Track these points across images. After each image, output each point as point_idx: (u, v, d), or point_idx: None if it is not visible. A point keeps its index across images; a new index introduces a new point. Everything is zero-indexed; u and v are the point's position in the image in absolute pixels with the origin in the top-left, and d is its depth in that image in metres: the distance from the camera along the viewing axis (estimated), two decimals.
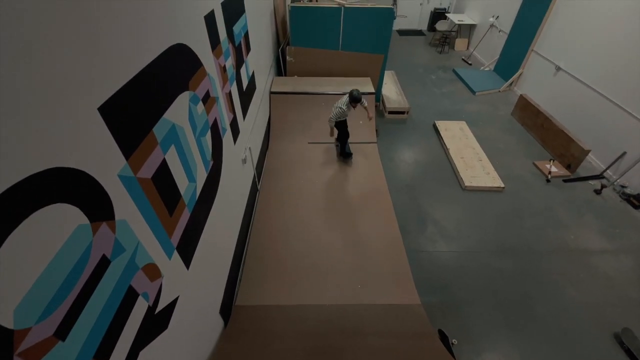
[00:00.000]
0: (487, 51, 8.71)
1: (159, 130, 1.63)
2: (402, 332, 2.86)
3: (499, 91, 7.48)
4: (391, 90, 6.85)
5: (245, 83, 3.58)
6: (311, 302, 3.14)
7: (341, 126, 4.72)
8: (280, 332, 2.79)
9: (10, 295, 0.86)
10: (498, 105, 6.96)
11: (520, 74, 7.23)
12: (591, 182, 4.94)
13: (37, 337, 0.93)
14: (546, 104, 6.07)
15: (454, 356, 2.75)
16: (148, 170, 1.53)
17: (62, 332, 1.02)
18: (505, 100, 7.10)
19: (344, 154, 5.00)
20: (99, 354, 1.19)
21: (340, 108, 4.28)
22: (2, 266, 0.83)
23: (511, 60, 7.47)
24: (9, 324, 0.84)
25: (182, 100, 1.93)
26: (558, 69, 6.05)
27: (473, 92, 7.39)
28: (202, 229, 2.25)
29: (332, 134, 4.70)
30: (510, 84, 7.43)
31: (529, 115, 6.09)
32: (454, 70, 8.35)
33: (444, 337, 2.96)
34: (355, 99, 4.19)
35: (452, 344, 2.97)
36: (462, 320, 3.19)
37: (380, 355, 2.53)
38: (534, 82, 6.83)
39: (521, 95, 6.39)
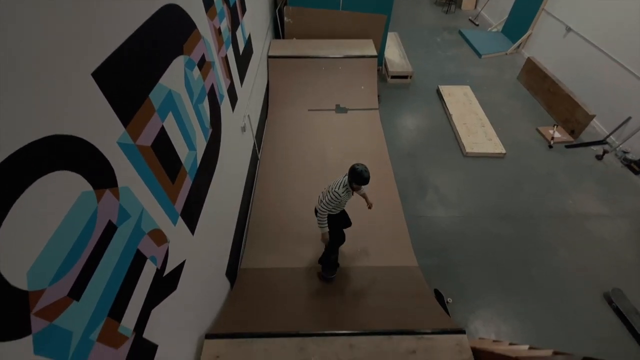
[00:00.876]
0: (496, 10, 8.25)
1: (155, 97, 1.59)
2: (399, 292, 3.00)
3: (506, 54, 7.19)
4: (394, 53, 6.59)
5: (241, 46, 3.44)
6: (313, 264, 3.26)
7: (336, 222, 2.91)
8: (283, 293, 2.93)
9: (23, 258, 0.89)
10: (504, 69, 6.72)
11: (529, 36, 6.90)
12: (593, 147, 4.91)
13: (52, 297, 0.98)
14: (554, 68, 5.86)
15: (448, 313, 2.90)
16: (147, 137, 1.52)
17: (76, 292, 1.08)
18: (512, 64, 6.85)
19: (328, 270, 3.11)
20: (113, 312, 1.26)
21: (336, 194, 2.58)
22: (12, 231, 0.85)
23: (520, 20, 7.09)
24: (23, 286, 0.89)
25: (177, 65, 1.87)
26: (568, 29, 5.77)
27: (479, 55, 7.11)
28: (205, 196, 2.28)
29: (325, 239, 2.82)
30: (518, 46, 7.13)
31: (536, 79, 5.91)
32: (460, 32, 7.97)
33: (439, 297, 3.12)
34: (361, 178, 2.48)
35: (447, 302, 3.13)
36: (457, 281, 3.32)
37: (378, 314, 2.67)
38: (543, 44, 6.54)
39: (529, 58, 6.15)
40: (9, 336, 0.84)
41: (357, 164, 2.54)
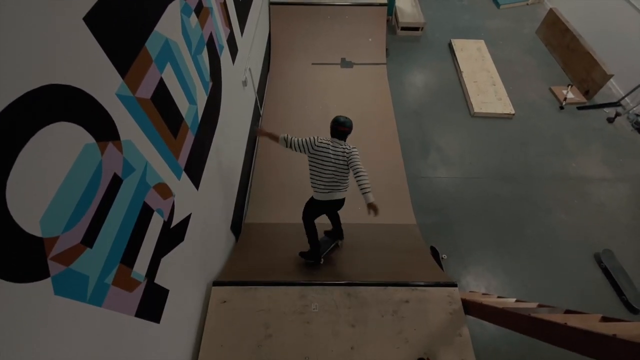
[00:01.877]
0: None
1: (152, 46, 1.52)
2: (397, 248, 3.12)
3: (527, 4, 6.65)
4: (406, 1, 6.11)
5: None
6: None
7: (316, 208, 2.57)
8: (285, 246, 3.06)
9: (34, 207, 0.93)
10: (523, 21, 6.27)
11: None
12: (606, 110, 4.75)
13: (66, 244, 1.04)
14: (577, 21, 5.44)
15: (442, 268, 3.05)
16: (146, 90, 1.48)
17: (89, 240, 1.13)
18: (532, 16, 6.36)
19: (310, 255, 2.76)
20: (125, 259, 1.34)
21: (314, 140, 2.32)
22: (21, 181, 0.87)
23: None
24: (37, 233, 0.93)
25: (173, 11, 1.75)
26: None
27: (497, 4, 6.58)
28: (208, 151, 2.28)
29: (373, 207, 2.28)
30: None
31: (555, 34, 5.53)
32: None
33: (435, 253, 3.25)
34: (336, 121, 2.32)
35: (442, 258, 3.27)
36: (454, 239, 3.44)
37: (376, 267, 2.81)
38: None
39: (551, 9, 5.69)
40: (28, 278, 0.90)
41: (341, 116, 2.35)
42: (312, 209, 2.56)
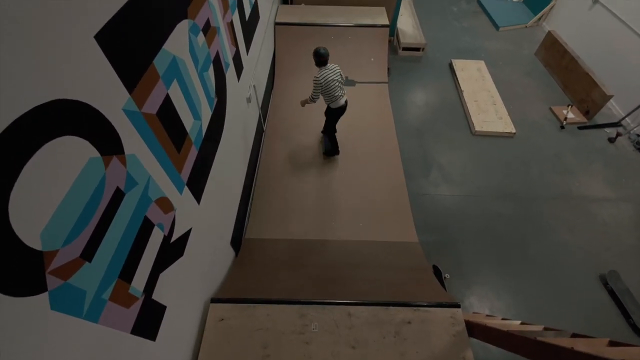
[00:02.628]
0: None
1: (159, 63, 1.56)
2: (399, 266, 3.08)
3: (526, 27, 6.83)
4: (407, 23, 6.29)
5: (247, 12, 3.30)
6: (315, 237, 3.34)
7: (333, 116, 3.71)
8: (286, 262, 3.02)
9: (35, 220, 0.92)
10: (522, 44, 6.42)
11: (553, 7, 6.51)
12: (607, 129, 4.78)
13: (65, 258, 1.03)
14: (575, 43, 5.57)
15: (445, 288, 2.99)
16: (152, 105, 1.51)
17: (88, 254, 1.12)
18: (531, 38, 6.52)
19: (328, 151, 4.07)
20: (124, 274, 1.32)
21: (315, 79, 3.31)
22: (24, 194, 0.87)
23: None
24: (37, 246, 0.93)
25: (182, 30, 1.81)
26: (595, 1, 5.41)
27: (497, 27, 6.76)
28: (211, 166, 2.30)
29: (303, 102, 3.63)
30: (540, 18, 6.74)
31: (554, 56, 5.65)
32: (478, 1, 7.53)
33: (437, 272, 3.20)
34: (316, 52, 3.29)
35: (445, 278, 3.21)
36: (456, 258, 3.39)
37: (377, 285, 2.76)
38: (566, 17, 6.18)
39: (549, 31, 5.83)
40: (26, 292, 0.89)
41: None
42: (332, 118, 3.73)
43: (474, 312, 2.98)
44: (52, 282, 0.98)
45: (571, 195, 3.99)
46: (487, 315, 2.63)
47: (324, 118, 4.54)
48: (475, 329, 2.18)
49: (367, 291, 2.66)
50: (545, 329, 1.84)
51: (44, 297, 0.95)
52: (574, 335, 1.59)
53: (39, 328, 0.94)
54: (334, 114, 3.64)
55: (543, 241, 3.56)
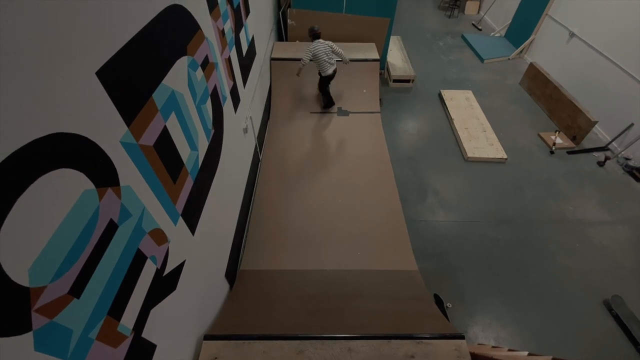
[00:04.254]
0: (499, 15, 8.28)
1: (158, 97, 1.60)
2: (398, 296, 2.99)
3: (509, 59, 7.21)
4: (397, 57, 6.61)
5: (244, 48, 3.46)
6: (312, 267, 3.26)
7: (325, 82, 4.76)
8: (282, 295, 2.92)
9: (25, 255, 0.90)
10: (506, 74, 6.74)
11: (532, 41, 6.92)
12: (595, 154, 4.90)
13: (52, 294, 0.99)
14: (556, 73, 5.87)
15: (447, 318, 2.90)
16: (150, 137, 1.53)
17: (77, 290, 1.08)
18: (515, 69, 6.86)
19: (325, 104, 5.14)
20: (113, 310, 1.26)
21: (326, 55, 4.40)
22: (15, 228, 0.86)
23: (524, 25, 7.12)
24: (24, 282, 0.89)
25: (181, 66, 1.88)
26: (572, 35, 5.78)
27: (481, 59, 7.13)
28: (206, 197, 2.29)
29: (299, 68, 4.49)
30: (521, 51, 7.15)
31: (538, 85, 5.92)
32: (462, 36, 8.00)
33: (439, 301, 3.11)
34: (316, 30, 4.34)
35: (447, 307, 3.12)
36: (457, 286, 3.32)
37: (377, 317, 2.66)
38: (546, 50, 6.56)
39: (531, 63, 6.16)
40: (10, 332, 0.85)
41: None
42: (324, 82, 4.75)
43: (479, 344, 2.86)
44: (38, 320, 0.93)
45: (567, 219, 4.00)
46: (493, 347, 2.53)
47: (319, 149, 4.75)
48: None
49: (367, 324, 2.56)
50: (554, 359, 1.76)
51: (28, 337, 0.90)
52: None
53: None
54: (324, 80, 4.69)
55: (543, 266, 3.52)
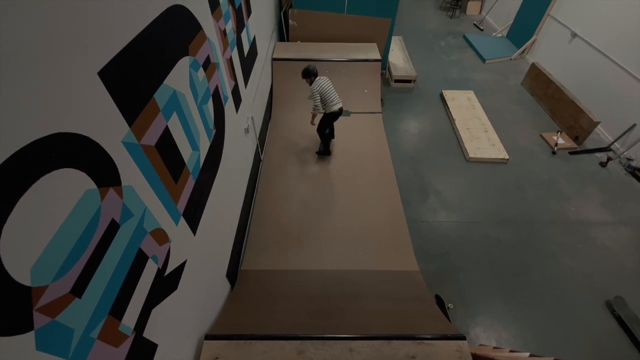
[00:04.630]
0: (501, 16, 8.26)
1: (160, 97, 1.60)
2: (400, 296, 2.98)
3: (510, 59, 7.19)
4: (398, 57, 6.60)
5: (246, 48, 3.46)
6: (313, 267, 3.26)
7: (327, 121, 4.20)
8: (283, 295, 2.92)
9: (26, 254, 0.90)
10: (508, 75, 6.72)
11: (534, 41, 6.90)
12: (597, 154, 4.88)
13: (54, 294, 0.99)
14: (558, 73, 5.85)
15: (449, 319, 2.89)
16: (151, 137, 1.53)
17: (79, 289, 1.08)
18: (516, 69, 6.84)
19: (322, 152, 4.55)
20: (114, 310, 1.27)
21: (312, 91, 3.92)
22: (17, 227, 0.86)
23: (525, 25, 7.10)
24: (26, 282, 0.89)
25: (183, 66, 1.88)
26: (574, 35, 5.76)
27: (483, 60, 7.11)
28: (207, 196, 2.29)
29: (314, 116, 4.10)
30: (523, 51, 7.13)
31: (540, 85, 5.90)
32: (464, 37, 7.98)
33: (440, 302, 3.10)
34: (304, 69, 3.86)
35: (448, 307, 3.11)
36: (458, 287, 3.31)
37: (378, 318, 2.66)
38: (548, 50, 6.54)
39: (533, 63, 6.14)
40: (11, 331, 0.85)
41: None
42: (327, 120, 4.14)
43: (480, 344, 2.85)
44: (39, 320, 0.93)
45: (569, 220, 3.98)
46: (495, 348, 2.52)
47: (317, 150, 4.61)
48: None
49: (368, 324, 2.55)
50: None
51: (29, 336, 0.90)
52: None
53: None
54: (328, 117, 4.10)
55: (545, 267, 3.50)
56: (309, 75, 3.84)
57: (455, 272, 3.43)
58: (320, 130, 4.26)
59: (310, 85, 3.87)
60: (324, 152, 4.48)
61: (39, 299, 0.93)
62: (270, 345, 2.18)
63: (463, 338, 2.24)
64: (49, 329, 0.97)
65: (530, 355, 2.01)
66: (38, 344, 0.92)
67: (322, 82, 3.86)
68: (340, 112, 4.05)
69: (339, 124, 5.03)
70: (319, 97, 3.84)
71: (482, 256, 3.58)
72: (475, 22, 8.82)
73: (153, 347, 1.55)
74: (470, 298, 3.23)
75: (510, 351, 2.24)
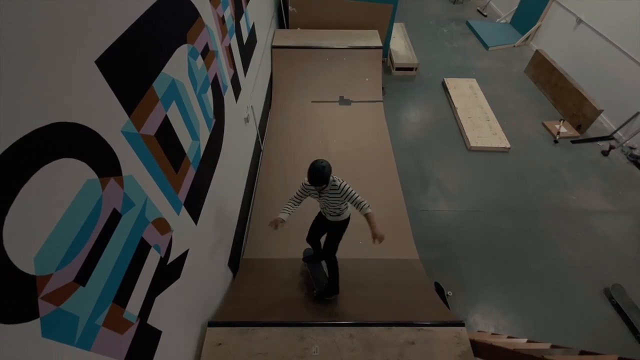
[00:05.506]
0: (505, 1, 8.07)
1: (159, 86, 1.59)
2: (400, 284, 3.02)
3: (514, 46, 7.06)
4: (400, 44, 6.49)
5: (245, 36, 3.41)
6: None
7: (323, 226, 2.71)
8: (285, 283, 2.96)
9: (30, 244, 0.91)
10: (511, 62, 6.62)
11: (538, 27, 6.77)
12: (599, 143, 4.85)
13: (58, 282, 1.00)
14: (562, 61, 5.76)
15: (448, 306, 2.93)
16: (151, 127, 1.52)
17: (82, 278, 1.10)
18: (520, 57, 6.73)
19: (325, 290, 2.73)
20: (118, 298, 1.29)
21: (302, 185, 2.45)
22: (19, 217, 0.86)
23: (530, 11, 6.94)
24: (30, 271, 0.90)
25: (181, 54, 1.86)
26: (579, 21, 5.64)
27: (486, 47, 6.99)
28: (208, 186, 2.30)
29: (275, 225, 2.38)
30: (527, 38, 7.00)
31: (543, 73, 5.81)
32: (467, 23, 7.83)
33: (439, 289, 3.14)
34: (308, 172, 2.24)
35: (447, 295, 3.15)
36: (458, 275, 3.34)
37: (379, 305, 2.70)
38: (552, 37, 6.41)
39: (537, 50, 6.04)
40: (17, 319, 0.86)
41: (318, 160, 2.17)
42: (316, 223, 2.72)
43: (478, 331, 2.90)
44: (45, 307, 0.95)
45: (570, 209, 3.99)
46: (493, 334, 2.56)
47: (321, 138, 4.42)
48: (480, 349, 2.12)
49: (368, 311, 2.59)
50: (553, 346, 1.79)
51: (35, 323, 0.92)
52: (582, 353, 1.55)
53: (29, 357, 0.90)
54: (317, 217, 2.74)
55: (545, 256, 3.53)
56: (329, 175, 2.31)
57: (455, 260, 3.46)
58: (334, 247, 2.70)
59: (334, 182, 2.40)
60: (332, 288, 2.72)
61: (44, 288, 0.95)
62: (272, 331, 2.22)
63: (462, 324, 2.28)
64: (54, 317, 0.98)
65: (528, 341, 2.05)
66: (44, 331, 0.94)
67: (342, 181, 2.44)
68: (328, 221, 2.66)
69: (339, 114, 4.99)
70: (353, 190, 2.43)
71: (483, 245, 3.60)
72: (478, 8, 8.64)
73: (157, 333, 1.58)
74: (470, 286, 3.26)
75: (508, 337, 2.28)
